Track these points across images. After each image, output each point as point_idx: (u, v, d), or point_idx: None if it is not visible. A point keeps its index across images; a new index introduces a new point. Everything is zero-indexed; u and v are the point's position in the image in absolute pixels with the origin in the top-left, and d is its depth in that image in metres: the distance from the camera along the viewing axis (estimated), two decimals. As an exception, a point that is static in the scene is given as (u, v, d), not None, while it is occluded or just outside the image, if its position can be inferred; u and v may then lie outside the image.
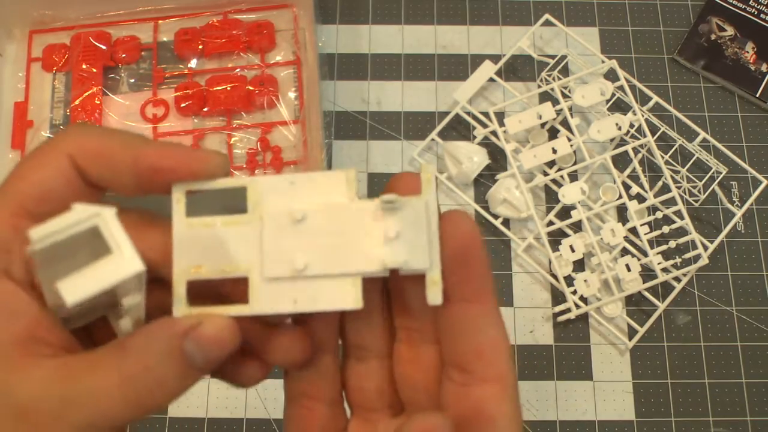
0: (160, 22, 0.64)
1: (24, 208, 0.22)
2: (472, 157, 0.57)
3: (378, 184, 0.59)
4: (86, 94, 0.60)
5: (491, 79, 0.61)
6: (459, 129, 0.61)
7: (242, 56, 0.62)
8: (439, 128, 0.60)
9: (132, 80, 0.62)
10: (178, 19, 0.64)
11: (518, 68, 0.63)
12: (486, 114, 0.60)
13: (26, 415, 0.20)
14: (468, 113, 0.60)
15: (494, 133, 0.59)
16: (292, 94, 0.61)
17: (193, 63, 0.62)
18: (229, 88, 0.60)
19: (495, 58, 0.62)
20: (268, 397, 0.53)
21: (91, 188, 0.23)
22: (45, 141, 0.23)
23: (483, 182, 0.59)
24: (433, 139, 0.60)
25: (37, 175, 0.22)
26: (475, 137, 0.59)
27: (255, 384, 0.25)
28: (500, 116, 0.60)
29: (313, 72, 0.58)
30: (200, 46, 0.62)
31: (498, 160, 0.60)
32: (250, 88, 0.60)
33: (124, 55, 0.62)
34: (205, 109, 0.60)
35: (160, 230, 0.23)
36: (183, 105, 0.60)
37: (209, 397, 0.53)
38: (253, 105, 0.60)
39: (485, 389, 0.22)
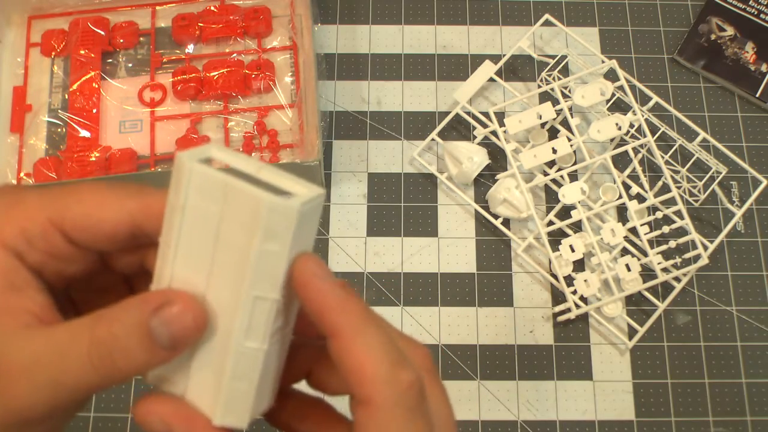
0: (157, 7, 0.64)
1: (61, 224, 0.23)
2: (472, 157, 0.57)
3: (378, 184, 0.59)
4: (84, 78, 0.60)
5: (491, 79, 0.61)
6: (459, 129, 0.61)
7: (239, 41, 0.63)
8: (439, 128, 0.60)
9: (130, 65, 0.62)
10: (175, 5, 0.64)
11: (518, 68, 0.63)
12: (486, 114, 0.60)
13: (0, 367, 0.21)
14: (468, 113, 0.60)
15: (494, 133, 0.59)
16: (288, 79, 0.62)
17: (190, 48, 0.63)
18: (226, 73, 0.60)
19: (495, 58, 0.62)
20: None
21: (134, 244, 0.24)
22: (121, 185, 0.24)
23: (483, 182, 0.59)
24: (433, 139, 0.60)
25: (94, 210, 0.23)
26: (475, 137, 0.59)
27: None
28: (500, 116, 0.60)
29: (310, 57, 0.59)
30: (197, 32, 0.62)
31: (498, 160, 0.60)
32: (247, 72, 0.60)
33: (122, 41, 0.62)
34: (202, 93, 0.60)
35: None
36: (180, 89, 0.60)
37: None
38: (250, 89, 0.61)
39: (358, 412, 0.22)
